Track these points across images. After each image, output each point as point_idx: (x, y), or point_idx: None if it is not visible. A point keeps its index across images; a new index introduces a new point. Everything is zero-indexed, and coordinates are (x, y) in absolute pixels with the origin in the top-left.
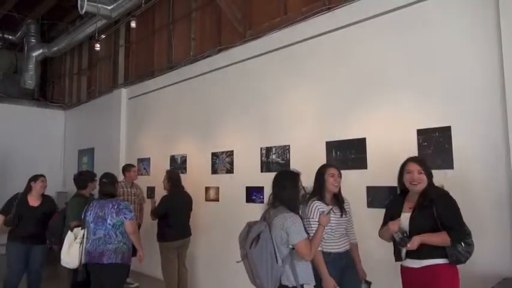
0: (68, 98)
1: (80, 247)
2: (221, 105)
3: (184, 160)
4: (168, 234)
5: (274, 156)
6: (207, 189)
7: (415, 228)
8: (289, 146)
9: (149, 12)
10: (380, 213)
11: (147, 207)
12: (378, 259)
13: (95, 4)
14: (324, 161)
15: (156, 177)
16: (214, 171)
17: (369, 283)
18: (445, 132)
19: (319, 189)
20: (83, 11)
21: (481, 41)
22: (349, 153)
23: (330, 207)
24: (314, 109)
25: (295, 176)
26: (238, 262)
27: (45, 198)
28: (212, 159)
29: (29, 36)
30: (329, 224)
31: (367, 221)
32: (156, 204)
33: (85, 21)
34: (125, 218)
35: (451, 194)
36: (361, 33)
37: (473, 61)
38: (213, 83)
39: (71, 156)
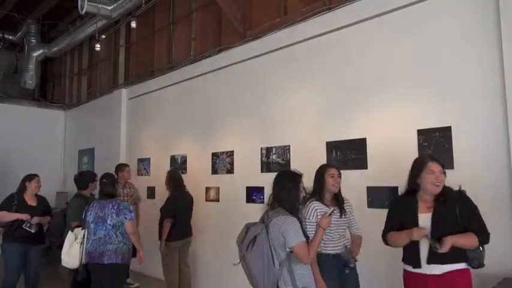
0: (68, 98)
1: (80, 247)
2: (221, 106)
3: (184, 160)
4: (170, 234)
5: (274, 157)
6: (207, 189)
7: (439, 229)
8: (289, 146)
9: (149, 12)
10: (380, 213)
11: (147, 206)
12: (378, 259)
13: (95, 4)
14: (324, 161)
15: (156, 178)
16: (214, 171)
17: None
18: (445, 133)
19: (319, 190)
20: (83, 11)
21: (481, 41)
22: (349, 153)
23: (332, 209)
24: (314, 109)
25: (296, 176)
26: (235, 264)
27: (39, 198)
28: (212, 159)
29: (29, 37)
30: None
31: (367, 221)
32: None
33: (85, 22)
34: (125, 218)
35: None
36: (361, 33)
37: (473, 61)
38: (213, 83)
39: (71, 157)
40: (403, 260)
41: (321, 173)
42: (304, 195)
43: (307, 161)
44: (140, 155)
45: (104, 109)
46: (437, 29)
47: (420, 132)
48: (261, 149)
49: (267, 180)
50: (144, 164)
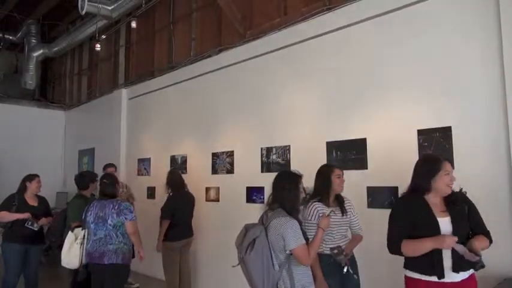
0: (69, 98)
1: (80, 247)
2: (222, 106)
3: (184, 160)
4: (171, 235)
5: (274, 157)
6: (207, 189)
7: (460, 235)
8: (289, 146)
9: (150, 12)
10: (380, 213)
11: (147, 206)
12: (378, 259)
13: (96, 4)
14: (324, 161)
15: (157, 178)
16: (214, 171)
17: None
18: (445, 133)
19: (324, 191)
20: (84, 12)
21: (481, 41)
22: (349, 153)
23: (331, 209)
24: (314, 109)
25: (296, 177)
26: (234, 266)
27: (39, 198)
28: (212, 159)
29: (29, 37)
30: (330, 226)
31: (367, 221)
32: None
33: (85, 22)
34: (126, 218)
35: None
36: (361, 33)
37: (473, 61)
38: (213, 83)
39: (72, 157)
40: (411, 269)
41: (326, 174)
42: (304, 196)
43: (307, 161)
44: (140, 155)
45: (104, 109)
46: (437, 29)
47: (420, 132)
48: (261, 149)
49: (267, 180)
50: (144, 164)
